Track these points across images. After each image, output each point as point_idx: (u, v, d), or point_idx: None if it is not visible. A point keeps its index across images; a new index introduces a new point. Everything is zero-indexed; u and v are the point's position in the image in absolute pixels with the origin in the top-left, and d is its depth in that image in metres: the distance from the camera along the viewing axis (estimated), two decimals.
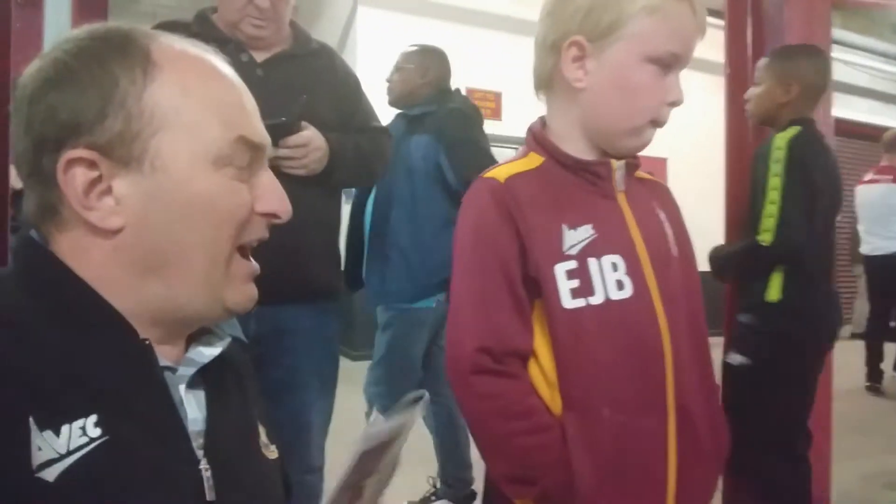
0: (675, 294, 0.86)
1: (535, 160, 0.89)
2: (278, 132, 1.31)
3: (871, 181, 4.62)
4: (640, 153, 0.91)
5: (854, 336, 5.45)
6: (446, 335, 0.87)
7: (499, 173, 0.87)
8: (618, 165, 0.88)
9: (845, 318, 6.57)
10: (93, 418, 0.52)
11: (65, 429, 0.51)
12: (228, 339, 0.67)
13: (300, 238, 1.39)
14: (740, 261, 1.74)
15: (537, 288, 0.83)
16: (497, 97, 6.15)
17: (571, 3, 0.84)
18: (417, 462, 2.69)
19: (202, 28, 1.46)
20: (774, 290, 1.65)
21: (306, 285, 1.46)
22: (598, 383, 0.82)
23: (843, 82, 7.00)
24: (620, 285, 0.83)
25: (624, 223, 0.87)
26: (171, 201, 0.58)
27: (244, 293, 0.65)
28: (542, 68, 0.92)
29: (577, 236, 0.83)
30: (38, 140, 0.57)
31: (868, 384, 4.64)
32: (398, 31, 5.61)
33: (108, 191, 0.57)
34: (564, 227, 0.84)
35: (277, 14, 1.45)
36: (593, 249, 0.83)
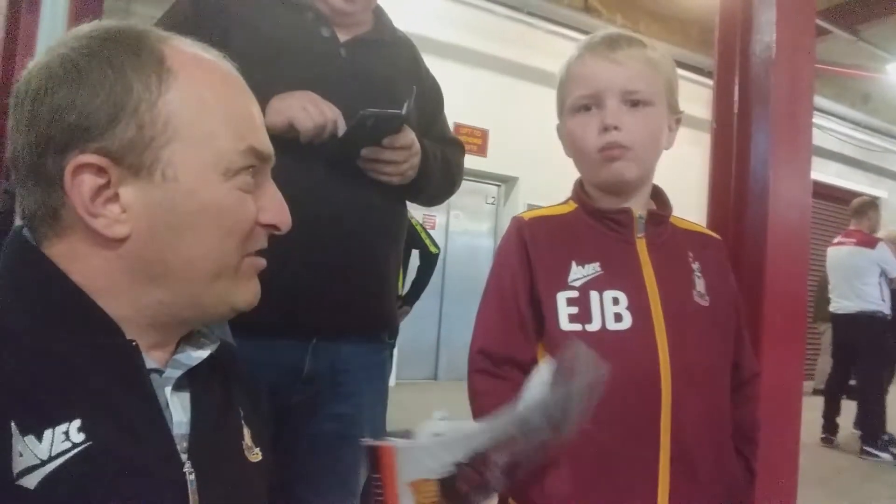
0: (693, 339, 0.91)
1: (570, 206, 1.02)
2: (386, 128, 1.08)
3: (838, 244, 4.83)
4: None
5: (816, 392, 5.55)
6: None
7: (529, 213, 1.02)
8: (638, 214, 0.96)
9: (807, 373, 6.71)
10: (76, 423, 0.51)
11: (47, 434, 0.50)
12: (217, 342, 0.66)
13: (381, 262, 1.21)
14: None
15: (542, 310, 0.93)
16: (483, 134, 6.25)
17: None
18: None
19: None
20: None
21: (374, 316, 1.22)
22: None
23: (814, 145, 7.28)
24: (619, 318, 0.90)
25: (637, 265, 0.94)
26: (180, 212, 0.58)
27: (250, 291, 0.65)
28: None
29: (583, 272, 0.93)
30: (43, 140, 0.55)
31: (823, 436, 4.79)
32: None
33: (115, 198, 0.56)
34: (573, 263, 0.94)
35: None
36: (596, 284, 0.92)
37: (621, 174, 0.94)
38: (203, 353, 0.64)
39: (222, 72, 0.63)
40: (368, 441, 0.49)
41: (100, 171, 0.56)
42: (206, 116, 0.59)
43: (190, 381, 0.63)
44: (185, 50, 0.61)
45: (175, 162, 0.57)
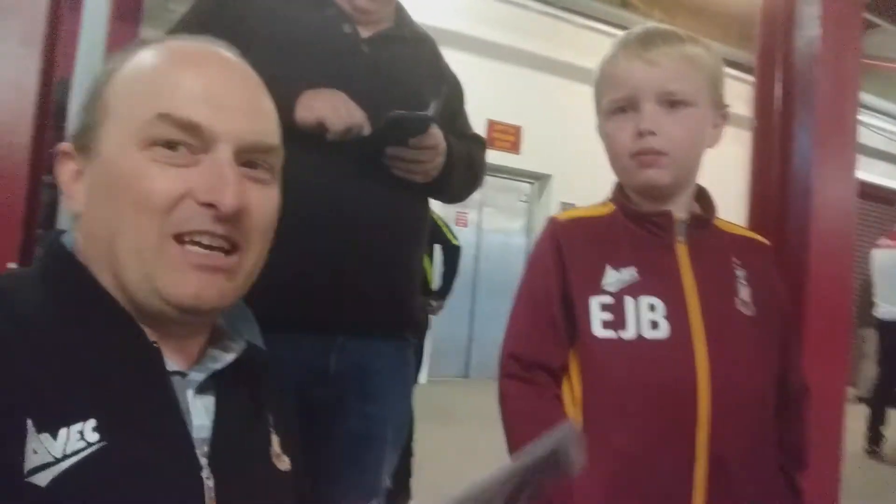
0: (734, 349, 0.88)
1: (608, 208, 0.98)
2: (414, 129, 1.09)
3: (884, 246, 4.68)
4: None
5: (860, 400, 5.38)
6: None
7: (565, 214, 1.00)
8: (679, 217, 0.93)
9: (850, 380, 6.50)
10: (91, 423, 0.51)
11: (62, 432, 0.50)
12: (244, 346, 0.65)
13: (406, 258, 1.21)
14: None
15: (574, 315, 0.91)
16: (517, 131, 6.20)
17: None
18: None
19: None
20: None
21: (399, 314, 1.21)
22: (616, 410, 0.87)
23: (859, 143, 7.08)
24: (655, 325, 0.87)
25: (676, 271, 0.91)
26: (102, 184, 0.60)
27: (180, 284, 0.57)
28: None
29: (618, 276, 0.90)
30: None
31: (868, 447, 4.62)
32: None
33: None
34: (608, 266, 0.91)
35: None
36: (632, 289, 0.89)
37: (654, 181, 0.90)
38: (229, 357, 0.63)
39: (172, 49, 0.64)
40: None
41: (72, 157, 0.62)
42: (134, 92, 0.61)
43: (216, 384, 0.62)
44: (161, 45, 0.64)
45: (104, 138, 0.60)
